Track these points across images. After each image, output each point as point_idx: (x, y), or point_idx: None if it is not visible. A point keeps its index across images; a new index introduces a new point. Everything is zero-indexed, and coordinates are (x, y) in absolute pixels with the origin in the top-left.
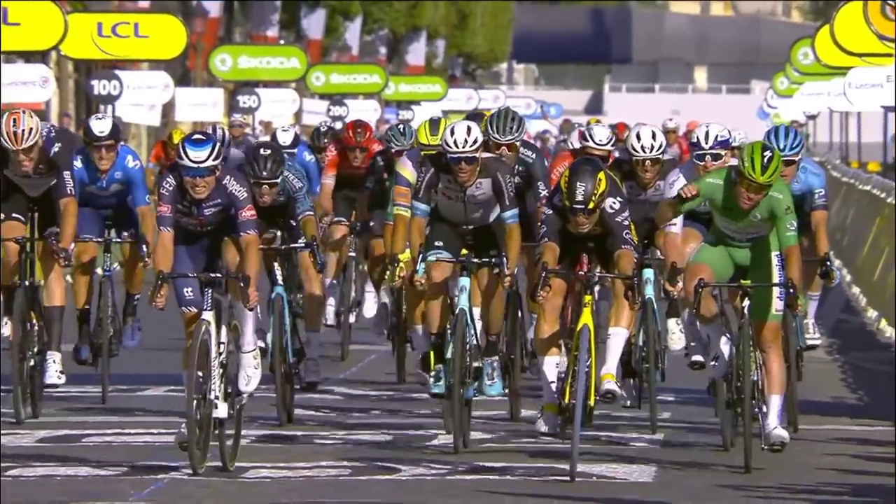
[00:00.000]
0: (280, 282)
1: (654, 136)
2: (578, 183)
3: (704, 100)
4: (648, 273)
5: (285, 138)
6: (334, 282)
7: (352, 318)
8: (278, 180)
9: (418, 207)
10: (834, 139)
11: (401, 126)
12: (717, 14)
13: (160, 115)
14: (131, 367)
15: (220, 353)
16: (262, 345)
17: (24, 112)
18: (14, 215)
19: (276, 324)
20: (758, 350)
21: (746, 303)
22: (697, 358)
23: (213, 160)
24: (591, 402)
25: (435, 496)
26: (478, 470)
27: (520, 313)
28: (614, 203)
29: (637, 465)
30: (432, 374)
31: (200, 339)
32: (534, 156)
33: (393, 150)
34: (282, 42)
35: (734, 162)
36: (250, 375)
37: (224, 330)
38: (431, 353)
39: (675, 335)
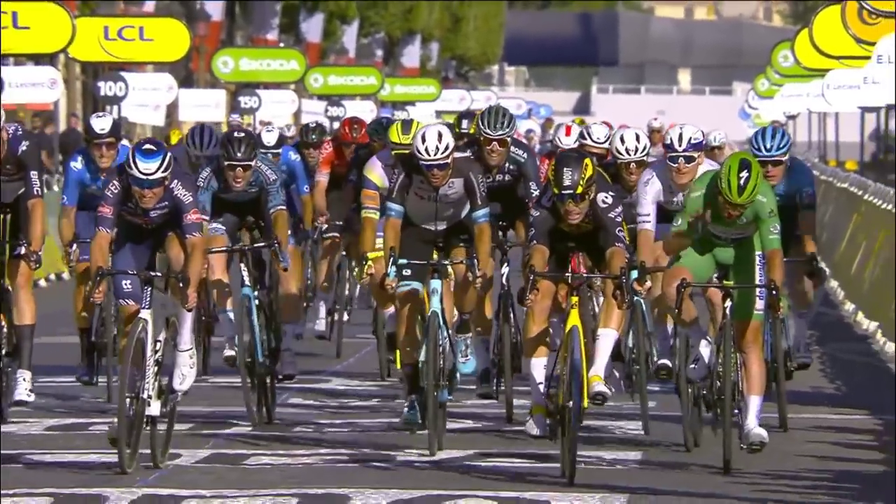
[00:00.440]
0: (247, 282)
1: (637, 139)
2: (565, 169)
3: (688, 101)
4: (635, 274)
5: (270, 139)
6: (325, 283)
7: (345, 317)
8: (252, 163)
9: (392, 208)
10: (813, 139)
11: (383, 120)
12: (701, 18)
13: (164, 116)
14: None
15: (157, 351)
16: (231, 353)
17: None
18: None
19: (242, 324)
20: (738, 351)
21: (728, 303)
22: (664, 362)
23: (163, 172)
24: (585, 404)
25: (431, 482)
26: (469, 463)
27: (512, 314)
28: (606, 197)
29: (623, 451)
30: (406, 403)
31: (137, 337)
32: (525, 155)
33: (375, 144)
34: (281, 45)
35: (708, 164)
36: (185, 374)
37: (161, 326)
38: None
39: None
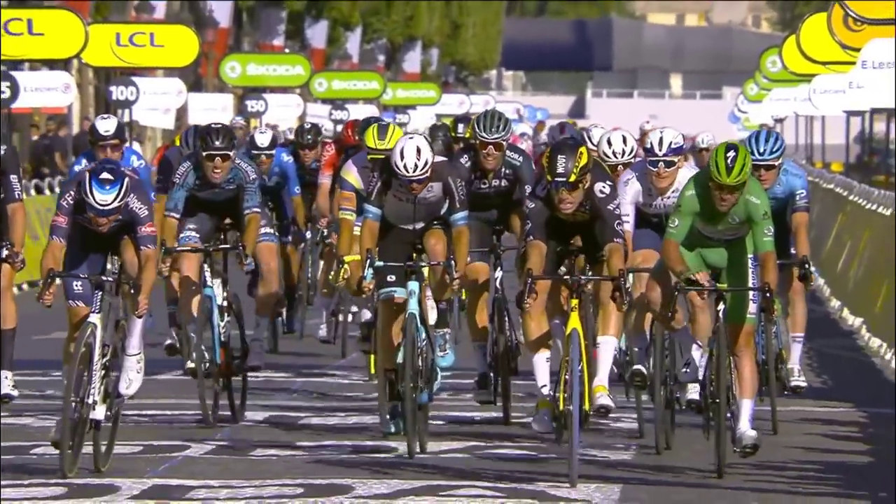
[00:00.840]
0: (209, 283)
1: (625, 141)
2: (559, 157)
3: (680, 105)
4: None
5: (263, 140)
6: (325, 290)
7: (350, 318)
8: (230, 153)
9: (370, 210)
10: (800, 141)
11: (372, 120)
12: (692, 25)
13: (174, 119)
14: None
15: (104, 356)
16: (192, 365)
17: None
18: None
19: (202, 325)
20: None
21: (721, 306)
22: (639, 368)
23: (120, 201)
24: (587, 408)
25: (431, 473)
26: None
27: (506, 318)
28: (604, 187)
29: (617, 442)
30: (388, 408)
31: (85, 342)
32: (521, 158)
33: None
34: (287, 51)
35: (687, 167)
36: (132, 379)
37: (109, 330)
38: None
39: None
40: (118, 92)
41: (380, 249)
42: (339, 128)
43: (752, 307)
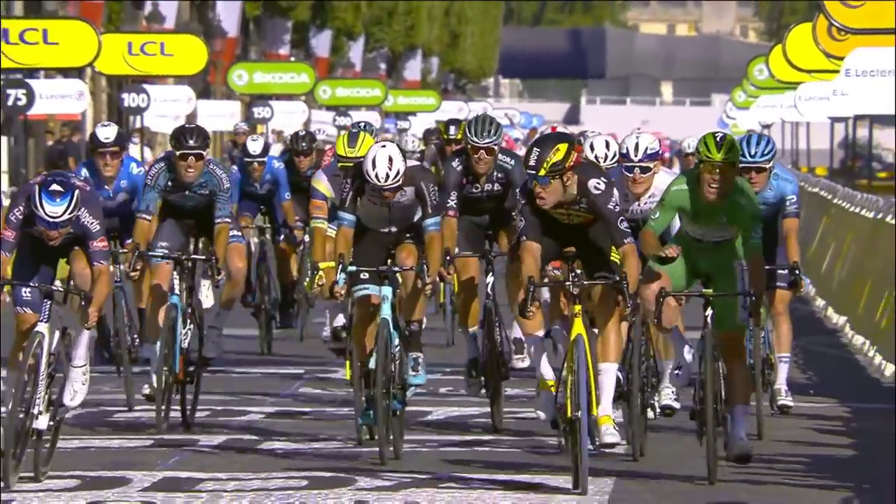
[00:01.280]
0: (177, 290)
1: (608, 146)
2: (535, 149)
3: (670, 111)
4: None
5: (255, 147)
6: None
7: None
8: (204, 152)
9: (344, 217)
10: (785, 146)
11: (361, 124)
12: (682, 35)
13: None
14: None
15: (50, 364)
16: (149, 391)
17: None
18: None
19: (165, 333)
20: (720, 360)
21: (709, 312)
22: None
23: (70, 213)
24: (595, 412)
25: (431, 466)
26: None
27: (497, 324)
28: (599, 184)
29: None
30: (363, 398)
31: (32, 352)
32: (513, 162)
33: None
34: (292, 59)
35: (664, 172)
36: (76, 390)
37: (56, 339)
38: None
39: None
40: (130, 99)
41: (355, 252)
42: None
43: (742, 313)
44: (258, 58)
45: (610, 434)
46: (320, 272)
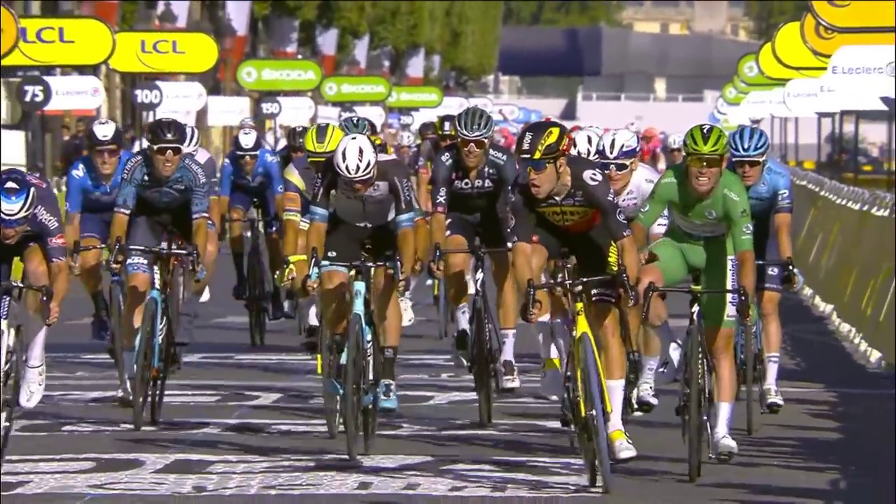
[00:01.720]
0: (157, 286)
1: (589, 141)
2: (527, 134)
3: (664, 107)
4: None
5: (247, 141)
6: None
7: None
8: (181, 146)
9: (316, 212)
10: (774, 141)
11: (354, 118)
12: (675, 33)
13: (195, 120)
14: None
15: (7, 363)
16: (122, 394)
17: None
18: None
19: (144, 326)
20: (708, 356)
21: (696, 308)
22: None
23: (26, 210)
24: (608, 409)
25: (433, 449)
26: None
27: (487, 320)
28: (595, 174)
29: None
30: (335, 369)
31: None
32: (504, 157)
33: None
34: (300, 57)
35: (642, 168)
36: (33, 391)
37: (12, 337)
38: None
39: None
40: (143, 95)
41: (328, 241)
42: None
43: (731, 310)
44: (266, 55)
45: (625, 449)
46: (291, 265)
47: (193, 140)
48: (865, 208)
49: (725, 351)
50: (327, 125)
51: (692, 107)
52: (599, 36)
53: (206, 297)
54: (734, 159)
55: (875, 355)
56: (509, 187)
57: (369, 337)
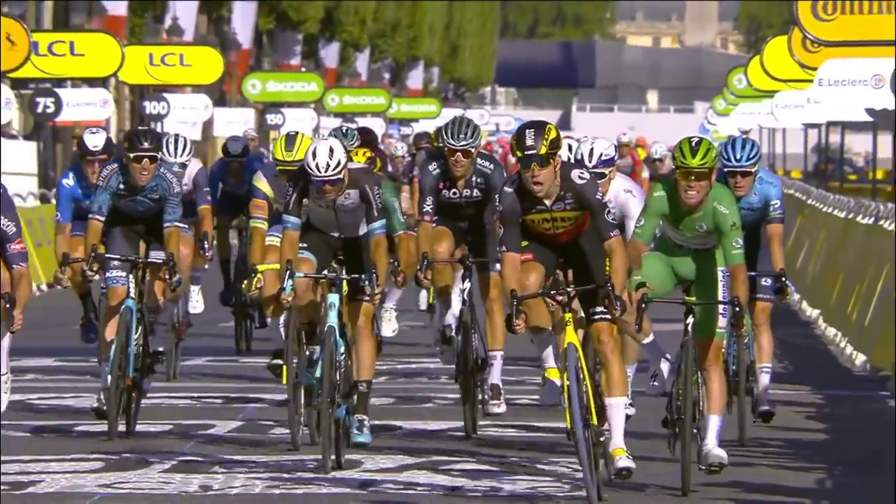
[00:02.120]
0: (132, 295)
1: (570, 149)
2: (527, 131)
3: (655, 118)
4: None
5: (235, 147)
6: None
7: None
8: (157, 154)
9: (289, 220)
10: (763, 151)
11: (343, 128)
12: (667, 47)
13: (201, 131)
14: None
15: None
16: (98, 405)
17: None
18: None
19: (119, 336)
20: (699, 369)
21: (690, 320)
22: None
23: None
24: (595, 422)
25: (431, 449)
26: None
27: (474, 329)
28: (583, 173)
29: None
30: (306, 354)
31: None
32: (492, 167)
33: None
34: (303, 69)
35: (620, 179)
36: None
37: None
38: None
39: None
40: (151, 107)
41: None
42: None
43: (722, 321)
44: (271, 68)
45: (622, 460)
46: (259, 274)
47: (186, 150)
48: (851, 216)
49: (715, 363)
50: (297, 133)
51: (683, 118)
52: (593, 49)
53: (200, 307)
54: (725, 169)
55: (860, 358)
56: (496, 196)
57: (342, 350)
